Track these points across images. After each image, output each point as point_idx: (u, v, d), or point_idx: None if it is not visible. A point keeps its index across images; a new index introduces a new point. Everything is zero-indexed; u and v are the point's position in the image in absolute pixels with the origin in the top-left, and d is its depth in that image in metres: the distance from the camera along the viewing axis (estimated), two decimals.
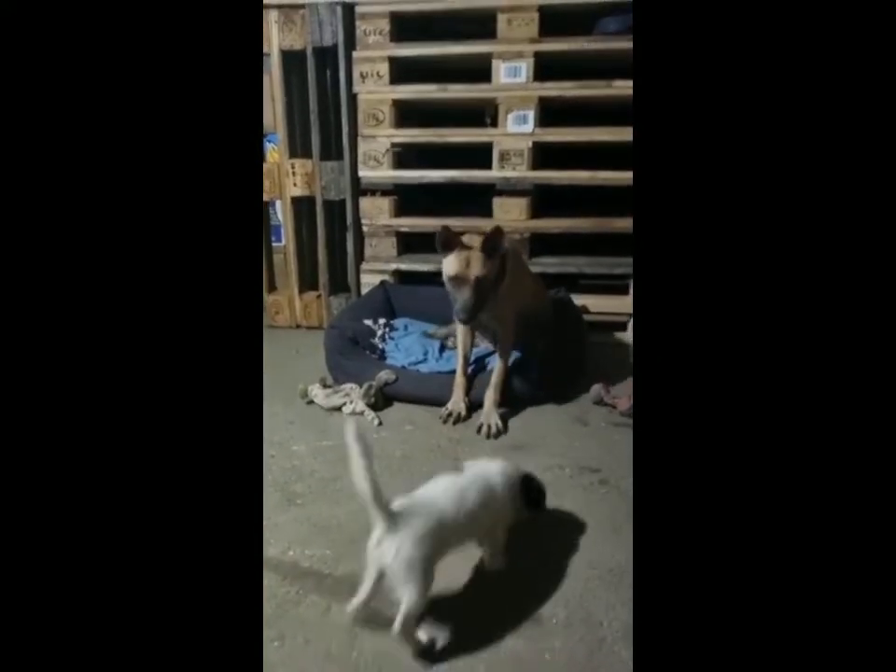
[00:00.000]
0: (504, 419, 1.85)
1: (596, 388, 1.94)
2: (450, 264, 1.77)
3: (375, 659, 1.00)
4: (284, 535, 1.31)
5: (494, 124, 2.51)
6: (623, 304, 2.58)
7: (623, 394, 1.87)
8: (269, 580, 1.17)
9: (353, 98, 2.54)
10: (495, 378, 1.91)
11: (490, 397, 1.88)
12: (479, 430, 1.79)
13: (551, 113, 2.51)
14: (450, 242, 1.78)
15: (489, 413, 1.84)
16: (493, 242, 1.76)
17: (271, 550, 1.26)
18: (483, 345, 2.23)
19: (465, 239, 1.83)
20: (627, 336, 2.60)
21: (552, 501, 1.43)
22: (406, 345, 2.23)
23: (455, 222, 2.62)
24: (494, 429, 1.79)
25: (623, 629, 1.05)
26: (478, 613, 1.09)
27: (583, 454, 1.65)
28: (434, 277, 2.73)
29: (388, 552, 0.97)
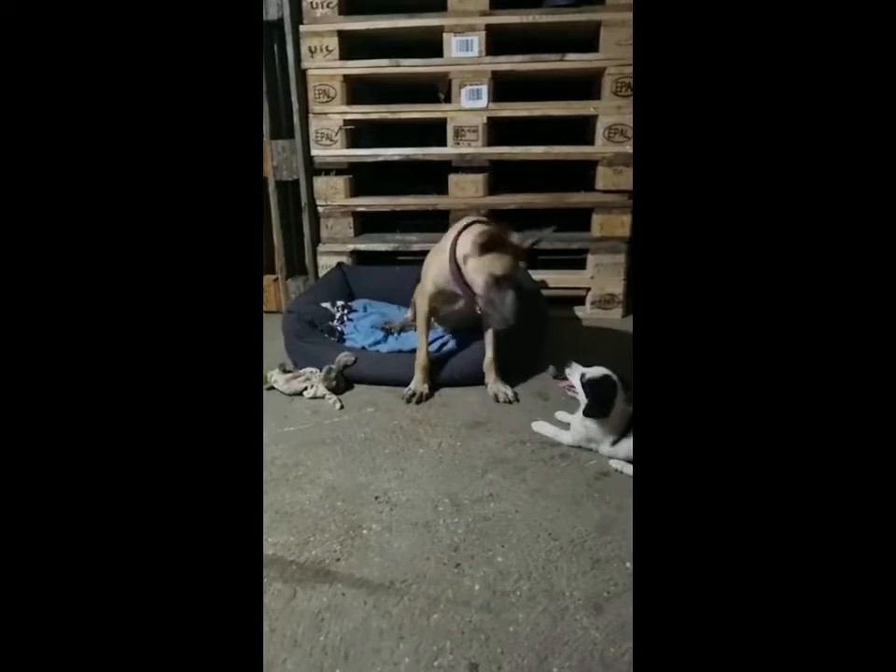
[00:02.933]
0: (511, 385, 1.91)
1: (553, 368, 1.95)
2: (494, 264, 1.61)
3: (342, 643, 1.00)
4: None
5: (447, 100, 2.48)
6: (580, 279, 2.61)
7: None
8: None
9: (302, 74, 2.47)
10: (489, 352, 1.92)
11: (491, 368, 1.92)
12: (496, 399, 1.86)
13: (504, 88, 2.49)
14: (495, 244, 1.63)
15: (496, 383, 1.90)
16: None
17: None
18: (441, 329, 2.20)
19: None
20: (585, 310, 2.64)
21: (513, 476, 1.45)
22: (365, 326, 2.21)
23: (411, 201, 2.61)
24: (509, 396, 1.86)
25: (584, 598, 1.08)
26: (444, 590, 1.11)
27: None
28: (392, 257, 2.73)
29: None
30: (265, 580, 1.14)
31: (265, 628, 1.03)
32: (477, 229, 1.71)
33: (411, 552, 1.21)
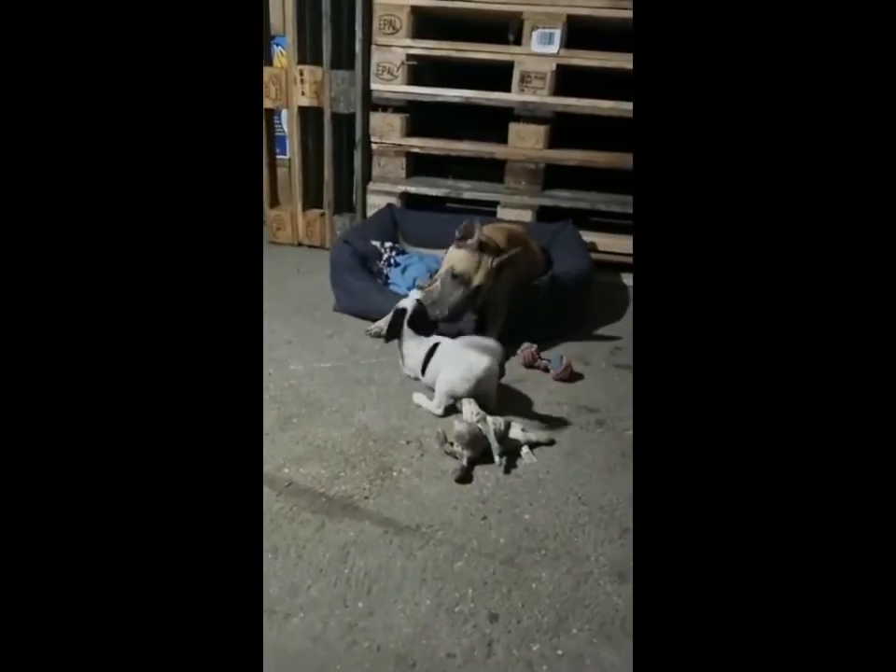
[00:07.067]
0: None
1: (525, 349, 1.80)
2: (460, 259, 1.72)
3: (366, 578, 1.02)
4: (279, 452, 1.32)
5: (517, 42, 2.36)
6: (632, 245, 2.52)
7: (558, 363, 1.71)
8: (263, 495, 1.18)
9: (368, 2, 2.37)
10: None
11: None
12: None
13: (576, 35, 2.35)
14: (476, 239, 1.73)
15: None
16: (507, 264, 1.75)
17: (266, 466, 1.27)
18: None
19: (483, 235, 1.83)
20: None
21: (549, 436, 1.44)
22: (413, 275, 2.16)
23: (468, 147, 2.53)
24: None
25: (610, 564, 1.07)
26: (469, 540, 1.11)
27: (582, 392, 1.65)
28: (441, 203, 2.67)
29: None
30: (294, 508, 1.16)
31: (292, 554, 1.06)
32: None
33: (439, 499, 1.21)
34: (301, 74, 2.49)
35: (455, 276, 1.70)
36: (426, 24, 2.50)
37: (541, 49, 2.30)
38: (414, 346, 1.62)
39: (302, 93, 2.51)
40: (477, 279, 1.70)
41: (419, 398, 1.54)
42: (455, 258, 1.74)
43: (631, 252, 2.51)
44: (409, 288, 2.07)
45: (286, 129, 2.73)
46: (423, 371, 1.58)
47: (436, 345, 1.57)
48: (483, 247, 1.72)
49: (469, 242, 1.72)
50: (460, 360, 1.48)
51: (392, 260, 2.20)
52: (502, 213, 2.54)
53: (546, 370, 1.72)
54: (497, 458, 1.31)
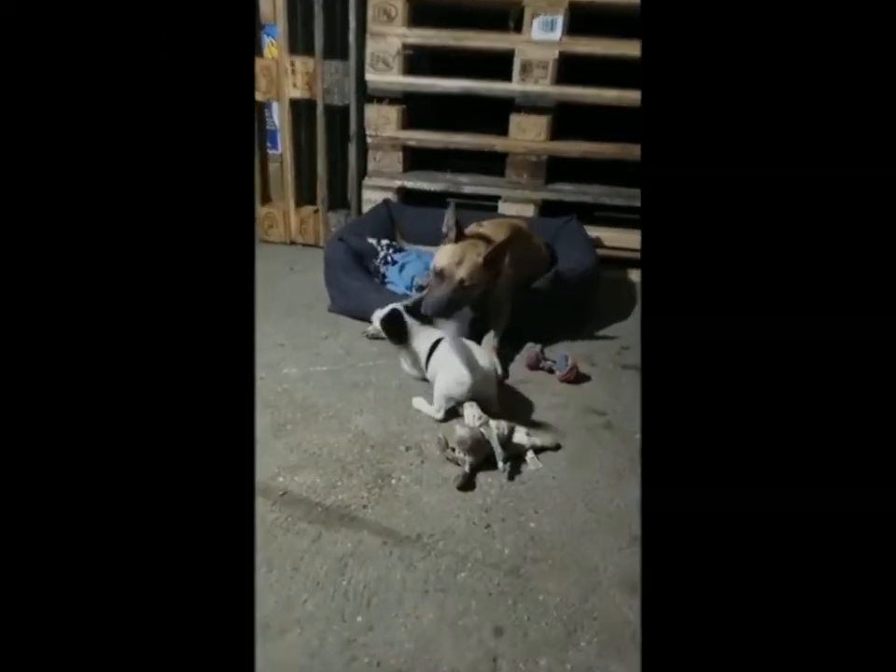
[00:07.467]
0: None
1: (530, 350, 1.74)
2: (441, 255, 1.71)
3: (365, 591, 0.97)
4: (273, 460, 1.27)
5: (518, 29, 2.30)
6: (639, 240, 2.47)
7: (563, 364, 1.65)
8: (257, 504, 1.14)
9: None
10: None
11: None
12: None
13: (579, 21, 2.29)
14: (453, 231, 1.73)
15: None
16: (496, 256, 1.69)
17: (259, 475, 1.22)
18: None
19: (477, 229, 1.83)
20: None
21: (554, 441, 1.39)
22: (411, 273, 2.10)
23: (467, 139, 2.47)
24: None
25: (619, 574, 1.03)
26: (473, 550, 1.07)
27: (589, 394, 1.60)
28: (440, 198, 2.61)
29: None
30: (289, 518, 1.12)
31: (287, 567, 1.01)
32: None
33: (440, 507, 1.17)
34: (293, 65, 2.42)
35: (436, 274, 1.68)
36: (422, 12, 2.43)
37: (543, 37, 2.24)
38: (424, 340, 1.56)
39: (294, 85, 2.44)
40: (460, 273, 1.65)
41: (418, 402, 1.49)
42: (438, 254, 1.72)
43: (638, 247, 2.45)
44: (407, 287, 2.02)
45: (277, 122, 2.67)
46: (426, 367, 1.54)
47: (438, 342, 1.52)
48: (461, 239, 1.72)
49: (449, 236, 1.72)
50: (456, 363, 1.43)
51: (389, 258, 2.14)
52: (504, 208, 2.49)
53: (551, 371, 1.67)
54: (500, 464, 1.26)
